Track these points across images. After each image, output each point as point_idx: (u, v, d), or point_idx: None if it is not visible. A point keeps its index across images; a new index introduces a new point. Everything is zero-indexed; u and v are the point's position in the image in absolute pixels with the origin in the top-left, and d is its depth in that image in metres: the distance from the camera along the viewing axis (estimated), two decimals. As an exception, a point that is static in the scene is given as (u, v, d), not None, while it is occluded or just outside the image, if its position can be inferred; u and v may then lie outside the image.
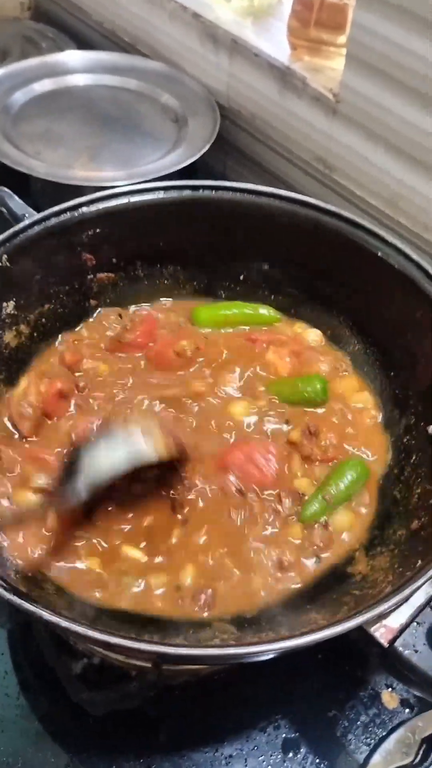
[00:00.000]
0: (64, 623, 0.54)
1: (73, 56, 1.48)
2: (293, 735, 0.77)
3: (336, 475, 0.81)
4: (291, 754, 0.76)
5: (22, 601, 0.55)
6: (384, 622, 0.59)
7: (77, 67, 1.46)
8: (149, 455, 0.71)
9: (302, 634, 0.56)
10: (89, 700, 0.76)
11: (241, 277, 0.98)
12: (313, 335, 0.96)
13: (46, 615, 0.54)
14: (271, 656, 0.60)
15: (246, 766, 0.75)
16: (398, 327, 0.85)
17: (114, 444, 0.71)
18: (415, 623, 0.59)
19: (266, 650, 0.56)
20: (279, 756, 0.76)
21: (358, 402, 0.90)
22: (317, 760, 0.75)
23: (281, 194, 0.88)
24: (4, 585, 0.57)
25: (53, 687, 0.78)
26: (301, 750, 0.76)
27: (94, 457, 0.69)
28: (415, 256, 0.81)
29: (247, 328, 0.96)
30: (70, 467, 0.70)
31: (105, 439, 0.71)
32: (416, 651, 0.58)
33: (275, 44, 1.26)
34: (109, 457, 0.70)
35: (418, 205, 1.08)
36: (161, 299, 0.99)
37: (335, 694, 0.80)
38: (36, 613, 0.55)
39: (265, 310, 0.97)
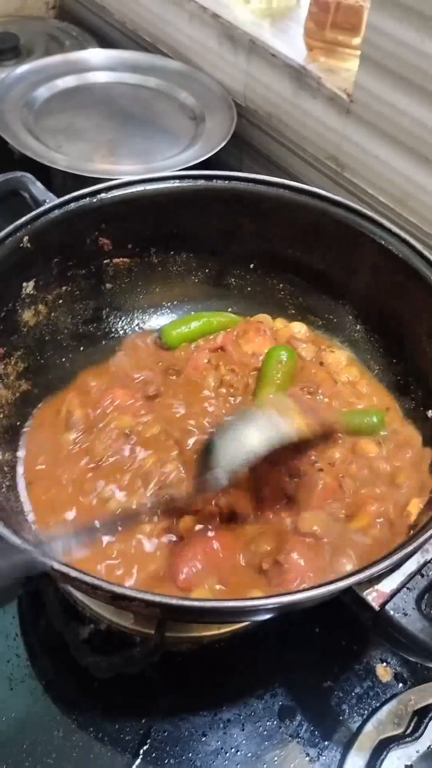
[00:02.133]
0: (73, 573, 0.57)
1: (95, 54, 1.52)
2: (289, 703, 0.80)
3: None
4: (287, 721, 0.79)
5: (35, 552, 0.58)
6: (376, 587, 0.61)
7: (99, 64, 1.50)
8: (289, 434, 0.70)
9: (294, 591, 0.58)
10: (94, 664, 0.79)
11: (251, 266, 1.01)
12: (298, 327, 0.99)
13: (56, 565, 0.58)
14: (267, 615, 0.64)
15: (243, 730, 0.78)
16: (400, 315, 0.88)
17: (251, 427, 0.70)
18: (405, 589, 0.62)
19: (260, 605, 0.59)
20: (275, 722, 0.79)
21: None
22: (312, 728, 0.78)
23: (291, 185, 0.91)
24: (21, 538, 0.60)
25: (61, 651, 0.81)
26: (297, 717, 0.79)
27: (233, 441, 0.69)
28: (418, 246, 0.84)
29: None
30: (206, 456, 0.70)
31: (241, 424, 0.71)
32: (405, 614, 0.60)
33: (292, 45, 1.29)
34: (247, 441, 0.69)
35: (428, 204, 1.10)
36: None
37: (331, 666, 0.83)
38: (48, 564, 0.58)
39: (225, 316, 1.00)
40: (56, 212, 0.86)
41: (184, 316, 1.01)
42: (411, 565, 0.63)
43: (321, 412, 0.76)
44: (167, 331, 0.98)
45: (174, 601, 0.59)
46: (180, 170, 1.17)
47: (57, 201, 0.86)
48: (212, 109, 1.39)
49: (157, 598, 0.59)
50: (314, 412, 0.74)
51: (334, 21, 1.24)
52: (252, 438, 0.69)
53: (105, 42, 1.70)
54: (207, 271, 1.02)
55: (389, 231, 0.87)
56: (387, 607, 0.61)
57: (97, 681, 0.79)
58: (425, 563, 0.63)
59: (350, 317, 0.97)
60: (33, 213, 0.84)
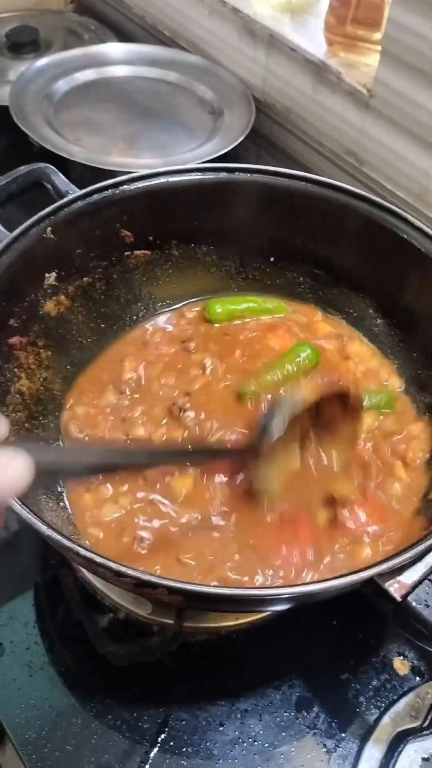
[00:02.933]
0: (98, 558, 0.58)
1: (114, 48, 1.52)
2: (306, 694, 0.80)
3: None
4: (304, 712, 0.79)
5: (61, 538, 0.59)
6: (398, 578, 0.61)
7: (118, 58, 1.50)
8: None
9: (315, 581, 0.59)
10: (113, 653, 0.80)
11: (272, 259, 1.01)
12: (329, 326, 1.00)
13: (82, 551, 0.58)
14: (288, 604, 0.64)
15: (260, 720, 0.78)
16: (421, 309, 0.88)
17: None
18: (428, 580, 0.62)
19: (281, 594, 0.59)
20: (292, 713, 0.79)
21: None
22: (329, 719, 0.78)
23: (313, 178, 0.91)
24: (46, 525, 0.60)
25: (80, 639, 0.82)
26: (314, 708, 0.79)
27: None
28: (440, 240, 0.84)
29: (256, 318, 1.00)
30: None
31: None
32: (428, 606, 0.61)
33: (312, 40, 1.29)
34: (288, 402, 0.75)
35: (446, 200, 1.11)
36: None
37: (348, 658, 0.83)
38: (73, 549, 0.58)
39: (273, 302, 1.01)
40: (79, 203, 0.86)
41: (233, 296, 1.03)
42: (433, 557, 0.63)
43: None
44: (211, 306, 0.99)
45: (197, 588, 0.59)
46: (200, 164, 1.18)
47: (80, 192, 0.86)
48: (231, 103, 1.39)
49: (181, 585, 0.59)
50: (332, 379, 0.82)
51: (355, 16, 1.24)
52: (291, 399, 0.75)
53: (123, 36, 1.70)
54: (227, 263, 1.02)
55: (411, 224, 0.86)
56: (409, 598, 0.61)
57: (116, 669, 0.80)
58: (447, 555, 0.63)
59: (370, 311, 0.97)
60: (56, 204, 0.84)
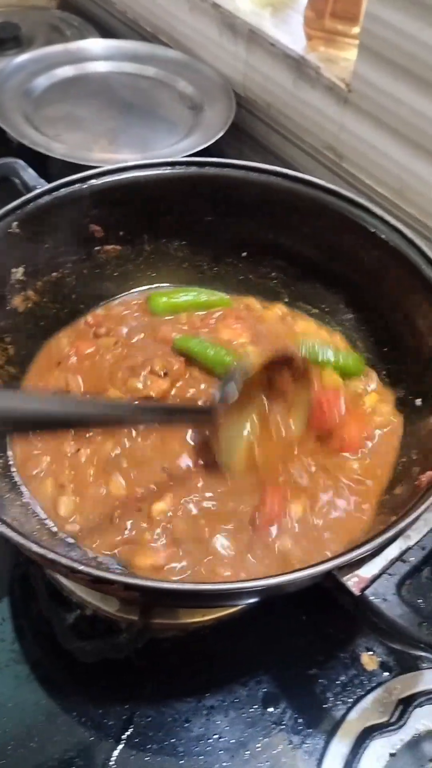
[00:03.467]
0: (50, 555, 0.57)
1: (94, 44, 1.52)
2: (274, 690, 0.80)
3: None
4: (271, 708, 0.79)
5: (14, 534, 0.58)
6: (357, 572, 0.61)
7: (98, 54, 1.49)
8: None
9: (276, 575, 0.58)
10: (80, 649, 0.80)
11: (244, 254, 1.01)
12: (275, 309, 1.00)
13: (35, 547, 0.58)
14: (249, 599, 0.64)
15: (227, 717, 0.78)
16: (392, 304, 0.88)
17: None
18: (386, 575, 0.61)
19: (242, 588, 0.58)
20: (259, 709, 0.79)
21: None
22: (296, 715, 0.78)
23: (284, 172, 0.91)
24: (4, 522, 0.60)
25: (47, 636, 0.82)
26: (281, 704, 0.79)
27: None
28: (409, 234, 0.84)
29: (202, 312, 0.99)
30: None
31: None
32: (385, 600, 0.60)
33: (291, 35, 1.28)
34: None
35: (425, 194, 1.10)
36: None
37: (316, 654, 0.82)
38: (26, 546, 0.58)
39: (215, 296, 1.00)
40: (46, 198, 0.85)
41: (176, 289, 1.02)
42: (392, 551, 0.62)
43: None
44: (155, 299, 0.98)
45: (153, 584, 0.59)
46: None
47: (47, 186, 0.86)
48: (211, 98, 1.39)
49: (136, 581, 0.59)
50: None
51: (334, 10, 1.23)
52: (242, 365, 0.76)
53: (106, 32, 1.70)
54: (199, 258, 1.02)
55: (380, 218, 0.86)
56: (367, 592, 0.60)
57: (83, 666, 0.79)
58: (406, 549, 0.63)
59: (342, 306, 0.96)
60: (22, 198, 0.84)
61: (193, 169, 0.92)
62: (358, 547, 0.60)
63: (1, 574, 0.88)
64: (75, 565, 0.57)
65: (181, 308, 0.98)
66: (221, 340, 0.92)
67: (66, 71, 1.45)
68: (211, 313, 0.98)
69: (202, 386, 0.88)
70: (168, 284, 1.03)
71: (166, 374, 0.87)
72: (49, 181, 0.90)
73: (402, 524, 0.61)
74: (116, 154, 1.28)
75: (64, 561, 0.57)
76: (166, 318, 0.97)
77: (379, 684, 0.80)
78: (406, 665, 0.81)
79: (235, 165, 0.92)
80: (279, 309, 1.00)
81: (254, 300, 1.01)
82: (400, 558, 0.62)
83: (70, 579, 0.74)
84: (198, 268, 1.02)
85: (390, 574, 0.62)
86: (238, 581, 0.59)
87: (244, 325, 0.95)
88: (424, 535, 0.63)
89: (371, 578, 0.61)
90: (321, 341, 0.93)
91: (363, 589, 0.60)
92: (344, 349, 0.95)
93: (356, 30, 1.22)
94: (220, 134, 1.30)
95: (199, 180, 0.92)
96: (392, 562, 0.62)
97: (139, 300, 1.00)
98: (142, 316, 0.97)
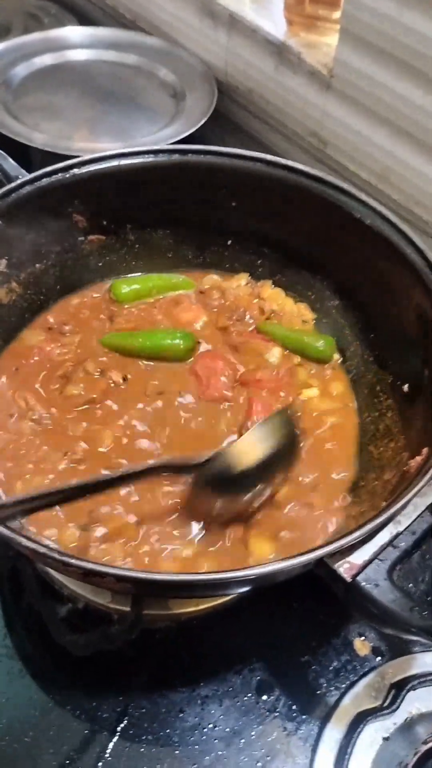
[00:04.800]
0: (42, 549, 0.57)
1: (73, 32, 1.50)
2: (267, 678, 0.80)
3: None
4: (264, 696, 0.79)
5: (3, 528, 0.58)
6: (348, 558, 0.61)
7: (78, 42, 1.48)
8: None
9: (267, 564, 0.58)
10: (72, 642, 0.79)
11: (229, 242, 1.00)
12: (239, 280, 1.01)
13: (25, 541, 0.57)
14: (240, 588, 0.63)
15: (221, 706, 0.78)
16: (378, 290, 0.88)
17: None
18: (377, 560, 0.61)
19: (232, 578, 0.58)
20: (253, 697, 0.79)
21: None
22: (289, 702, 0.78)
23: (268, 159, 0.90)
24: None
25: (38, 629, 0.81)
26: (275, 692, 0.79)
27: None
28: (393, 218, 0.83)
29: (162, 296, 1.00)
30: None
31: None
32: (377, 585, 0.60)
33: (272, 20, 1.27)
34: None
35: (409, 179, 1.10)
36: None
37: (309, 640, 0.83)
38: (16, 540, 0.57)
39: (177, 278, 1.01)
40: (27, 188, 0.84)
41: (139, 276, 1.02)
42: (383, 537, 0.62)
43: None
44: (117, 287, 0.97)
45: (144, 576, 0.59)
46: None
47: (29, 177, 0.85)
48: (193, 85, 1.38)
49: (128, 573, 0.58)
50: None
51: (314, -6, 1.23)
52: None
53: (85, 19, 1.68)
54: (185, 247, 1.01)
55: (364, 203, 0.86)
56: (358, 578, 0.60)
57: (75, 659, 0.79)
58: (397, 535, 0.63)
59: (328, 292, 0.96)
60: (4, 189, 0.83)
61: (175, 157, 0.91)
62: (349, 533, 0.60)
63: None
64: (66, 558, 0.57)
65: (144, 294, 0.98)
66: (181, 323, 0.94)
67: (44, 60, 1.43)
68: (172, 297, 0.99)
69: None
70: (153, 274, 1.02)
71: (102, 372, 0.87)
72: (29, 171, 0.89)
73: (392, 510, 0.61)
74: (97, 143, 1.27)
75: (55, 555, 0.56)
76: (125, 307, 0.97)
77: (372, 669, 0.80)
78: (398, 649, 0.81)
79: (218, 152, 0.91)
80: (243, 279, 1.01)
81: (215, 279, 1.02)
82: (390, 543, 0.62)
83: (61, 572, 0.74)
84: (183, 256, 1.01)
85: (381, 560, 0.62)
86: (230, 570, 0.59)
87: (201, 305, 0.96)
88: (414, 520, 0.63)
89: (362, 564, 0.61)
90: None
91: (354, 576, 0.60)
92: (310, 318, 0.97)
93: (337, 14, 1.21)
94: (202, 122, 1.29)
95: (183, 168, 0.91)
96: (383, 548, 0.62)
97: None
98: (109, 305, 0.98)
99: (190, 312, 0.96)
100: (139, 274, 1.01)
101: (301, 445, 0.81)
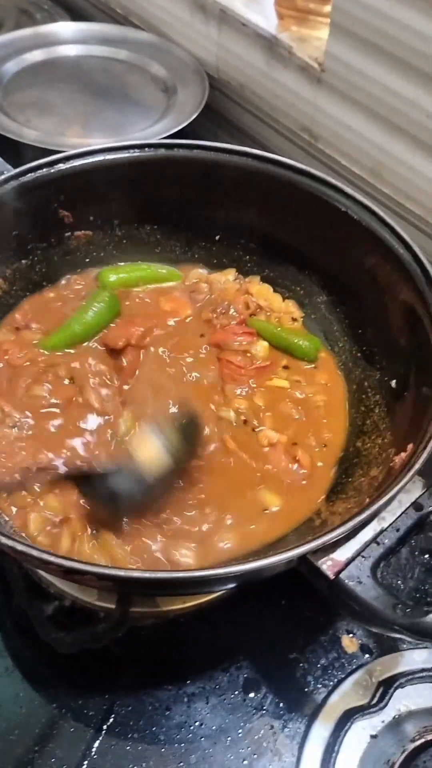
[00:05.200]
0: (20, 547, 0.56)
1: (64, 27, 1.49)
2: (254, 676, 0.80)
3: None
4: (252, 694, 0.78)
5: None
6: (331, 555, 0.61)
7: (69, 37, 1.47)
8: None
9: (250, 560, 0.58)
10: (59, 640, 0.79)
11: (217, 237, 0.99)
12: (227, 275, 1.01)
13: (4, 539, 0.57)
14: (224, 585, 0.63)
15: (207, 704, 0.77)
16: (366, 286, 0.87)
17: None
18: (361, 557, 0.61)
19: (216, 575, 0.58)
20: (240, 695, 0.78)
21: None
22: (276, 700, 0.78)
23: (255, 153, 0.90)
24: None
25: (25, 628, 0.81)
26: (262, 690, 0.79)
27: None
28: (381, 213, 0.83)
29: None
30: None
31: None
32: (360, 582, 0.60)
33: (263, 15, 1.26)
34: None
35: (400, 174, 1.09)
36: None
37: (296, 638, 0.82)
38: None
39: (164, 270, 1.00)
40: (12, 183, 0.84)
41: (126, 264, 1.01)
42: (367, 534, 0.62)
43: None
44: (104, 276, 0.96)
45: (125, 574, 0.58)
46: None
47: (13, 171, 0.84)
48: (184, 80, 1.37)
49: (109, 571, 0.58)
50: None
51: (305, -12, 1.22)
52: None
53: (76, 14, 1.67)
54: (172, 242, 1.00)
55: (352, 198, 0.85)
56: (341, 575, 0.60)
57: (62, 657, 0.78)
58: (381, 531, 0.62)
59: (316, 288, 0.96)
60: (-12, 184, 0.82)
61: (162, 152, 0.90)
62: (333, 530, 0.60)
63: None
64: (46, 556, 0.56)
65: (131, 283, 0.97)
66: (166, 313, 0.94)
67: (36, 55, 1.43)
68: (158, 287, 0.98)
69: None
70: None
71: (72, 380, 0.86)
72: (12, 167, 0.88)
73: (376, 506, 0.60)
74: (89, 139, 1.26)
75: (35, 553, 0.56)
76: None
77: (360, 666, 0.80)
78: (386, 647, 0.81)
79: (205, 146, 0.91)
80: (231, 274, 1.01)
81: (201, 273, 1.01)
82: (374, 540, 0.62)
83: (42, 570, 0.73)
84: (171, 252, 1.01)
85: (364, 557, 0.61)
86: (213, 568, 0.59)
87: (187, 298, 0.96)
88: (398, 517, 0.63)
89: (346, 561, 0.61)
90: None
91: (338, 573, 0.60)
92: (299, 316, 0.97)
93: (328, 8, 1.20)
94: (194, 116, 1.29)
95: (169, 162, 0.91)
96: (366, 545, 0.62)
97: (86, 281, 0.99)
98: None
99: (175, 303, 0.95)
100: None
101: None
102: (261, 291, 0.98)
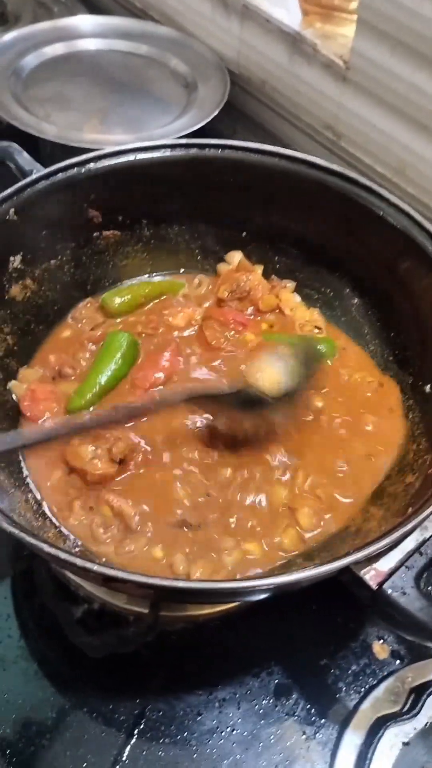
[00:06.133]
0: (63, 555, 0.56)
1: (84, 21, 1.48)
2: (285, 681, 0.79)
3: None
4: (283, 699, 0.78)
5: (25, 534, 0.57)
6: (374, 565, 0.60)
7: (88, 31, 1.46)
8: None
9: (292, 571, 0.57)
10: (88, 644, 0.79)
11: (247, 238, 0.98)
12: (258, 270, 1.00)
13: (47, 548, 0.56)
14: (263, 595, 0.62)
15: (239, 709, 0.77)
16: (398, 288, 0.86)
17: None
18: (404, 567, 0.60)
19: (256, 586, 0.57)
20: (271, 700, 0.78)
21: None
22: (308, 706, 0.78)
23: (287, 154, 0.89)
24: (9, 521, 0.58)
25: (53, 631, 0.80)
26: (293, 695, 0.78)
27: None
28: (417, 216, 0.82)
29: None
30: None
31: None
32: (404, 593, 0.59)
33: (287, 10, 1.25)
34: None
35: (425, 173, 1.08)
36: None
37: (327, 644, 0.82)
38: (37, 546, 0.56)
39: (166, 282, 0.99)
40: (43, 183, 0.83)
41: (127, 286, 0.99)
42: (409, 544, 0.62)
43: None
44: (108, 302, 0.94)
45: (166, 583, 0.58)
46: (172, 140, 1.15)
47: (44, 171, 0.83)
48: (205, 76, 1.36)
49: (149, 580, 0.57)
50: None
51: (331, -16, 1.20)
52: None
53: (94, 8, 1.66)
54: (200, 243, 0.99)
55: (387, 200, 0.84)
56: (385, 586, 0.59)
57: (91, 661, 0.78)
58: (424, 541, 0.62)
59: (347, 290, 0.95)
60: (19, 184, 0.81)
61: (193, 151, 0.90)
62: (376, 541, 0.59)
63: (3, 569, 0.86)
64: (89, 565, 0.56)
65: (136, 303, 0.95)
66: (179, 328, 0.94)
67: (55, 49, 1.41)
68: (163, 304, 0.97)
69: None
70: (167, 271, 1.01)
71: (122, 461, 0.80)
72: (40, 163, 0.87)
73: (420, 516, 0.60)
74: (108, 135, 1.25)
75: (78, 562, 0.55)
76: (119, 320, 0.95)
77: (391, 673, 0.79)
78: (418, 653, 0.80)
79: (236, 146, 0.90)
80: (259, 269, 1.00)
81: (203, 276, 1.01)
82: (417, 550, 0.61)
83: (81, 578, 0.73)
84: (199, 252, 1.00)
85: (408, 567, 0.61)
86: (252, 579, 0.58)
87: (189, 306, 0.96)
88: (442, 527, 0.62)
89: (389, 571, 0.60)
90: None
91: (381, 583, 0.59)
92: (322, 323, 0.96)
93: (354, 5, 1.19)
94: (215, 113, 1.27)
95: (200, 162, 0.90)
96: (410, 555, 0.61)
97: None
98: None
99: (184, 315, 0.95)
100: (166, 272, 1.02)
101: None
102: (289, 299, 0.97)
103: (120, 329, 0.92)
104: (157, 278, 1.00)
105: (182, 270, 1.01)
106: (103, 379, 0.86)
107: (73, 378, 0.88)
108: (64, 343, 0.92)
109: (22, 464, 0.80)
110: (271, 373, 0.76)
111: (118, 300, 0.94)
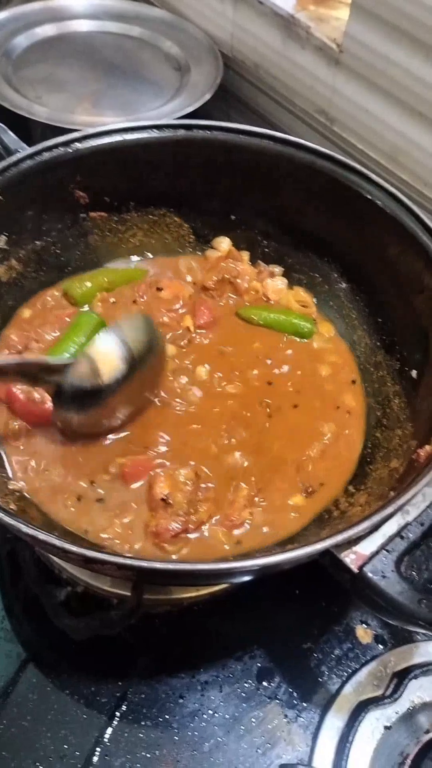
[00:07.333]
0: (41, 536, 0.55)
1: (76, 1, 1.46)
2: (268, 665, 0.79)
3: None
4: (265, 683, 0.78)
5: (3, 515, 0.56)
6: (355, 548, 0.60)
7: (80, 12, 1.44)
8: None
9: (272, 553, 0.57)
10: (71, 627, 0.78)
11: (235, 221, 0.98)
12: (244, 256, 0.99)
13: (25, 527, 0.56)
14: (245, 577, 0.62)
15: (221, 692, 0.77)
16: (387, 274, 0.86)
17: None
18: (385, 551, 0.60)
19: (237, 567, 0.57)
20: (253, 684, 0.78)
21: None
22: (290, 689, 0.78)
23: (276, 136, 0.88)
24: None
25: (37, 613, 0.80)
26: (275, 679, 0.78)
27: None
28: (407, 201, 0.81)
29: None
30: None
31: None
32: (384, 576, 0.59)
33: (280, -8, 1.24)
34: None
35: (417, 159, 1.07)
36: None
37: (311, 627, 0.82)
38: (15, 527, 0.56)
39: (128, 270, 0.98)
40: (28, 162, 0.82)
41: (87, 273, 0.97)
42: (391, 527, 0.61)
43: None
44: (71, 290, 0.92)
45: (146, 564, 0.57)
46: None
47: (29, 151, 0.82)
48: (198, 59, 1.34)
49: (130, 561, 0.57)
50: None
51: (325, -34, 1.19)
52: None
53: (87, -11, 1.63)
54: (187, 226, 0.99)
55: (377, 185, 0.83)
56: (365, 569, 0.59)
57: (74, 643, 0.78)
58: (405, 525, 0.61)
59: (335, 275, 0.94)
60: (4, 163, 0.80)
61: (181, 133, 0.88)
62: (357, 523, 0.59)
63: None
64: (67, 546, 0.55)
65: (100, 289, 0.93)
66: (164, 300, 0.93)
67: (47, 30, 1.40)
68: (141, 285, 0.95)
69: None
70: (155, 254, 1.00)
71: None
72: (30, 145, 0.86)
73: (401, 500, 0.60)
74: (100, 117, 1.24)
75: (56, 542, 0.55)
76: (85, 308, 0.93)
77: (374, 657, 0.79)
78: (401, 638, 0.81)
79: (225, 128, 0.89)
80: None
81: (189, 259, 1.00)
82: (399, 534, 0.61)
83: (61, 558, 0.73)
84: (187, 235, 0.99)
85: (388, 551, 0.60)
86: (234, 561, 0.58)
87: (175, 285, 0.95)
88: (423, 511, 0.62)
89: (369, 555, 0.60)
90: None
91: (361, 566, 0.59)
92: (309, 301, 0.96)
93: (348, -12, 1.18)
94: (208, 96, 1.26)
95: (188, 144, 0.89)
96: (391, 539, 0.61)
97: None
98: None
99: (172, 288, 0.94)
100: (151, 255, 1.01)
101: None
102: (274, 287, 0.96)
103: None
104: (122, 265, 0.98)
105: (168, 253, 1.00)
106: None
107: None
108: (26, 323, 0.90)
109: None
110: (106, 346, 0.74)
111: (79, 289, 0.92)
